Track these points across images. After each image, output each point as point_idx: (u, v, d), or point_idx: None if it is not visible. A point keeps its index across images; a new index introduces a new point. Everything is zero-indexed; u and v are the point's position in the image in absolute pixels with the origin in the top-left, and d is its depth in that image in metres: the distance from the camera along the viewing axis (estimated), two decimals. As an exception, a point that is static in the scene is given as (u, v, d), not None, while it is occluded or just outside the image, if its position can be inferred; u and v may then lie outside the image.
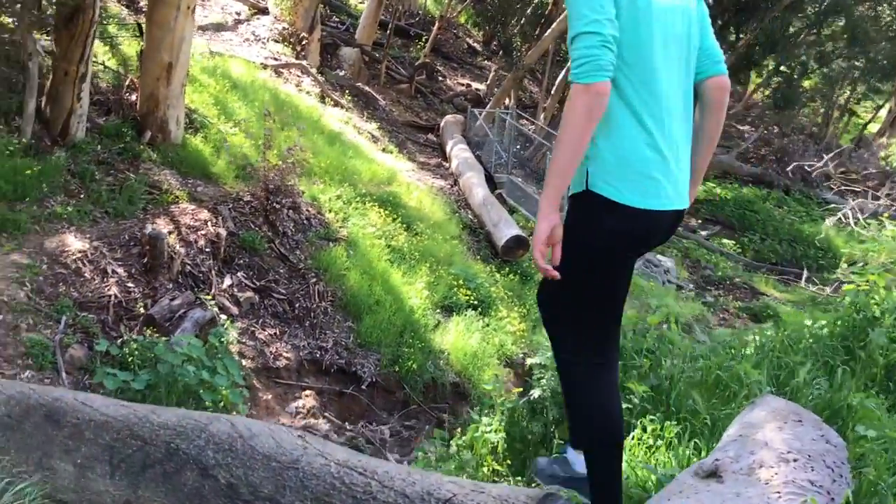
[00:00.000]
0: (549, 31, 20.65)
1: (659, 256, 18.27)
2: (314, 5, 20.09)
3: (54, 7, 10.17)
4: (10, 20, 10.51)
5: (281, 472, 2.67)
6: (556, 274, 2.38)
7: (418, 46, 25.45)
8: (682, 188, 2.56)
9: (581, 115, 2.26)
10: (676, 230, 2.74)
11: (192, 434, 3.00)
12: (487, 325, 11.03)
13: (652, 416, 3.40)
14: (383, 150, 16.78)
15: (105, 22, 14.62)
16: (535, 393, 3.74)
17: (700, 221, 22.86)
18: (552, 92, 22.45)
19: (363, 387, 9.44)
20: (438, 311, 10.91)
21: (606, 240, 2.44)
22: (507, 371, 10.49)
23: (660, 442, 3.27)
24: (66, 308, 7.91)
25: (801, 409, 2.63)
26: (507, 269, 13.30)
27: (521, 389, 4.11)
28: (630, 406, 3.48)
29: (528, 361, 4.63)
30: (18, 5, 9.76)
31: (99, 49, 13.37)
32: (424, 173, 16.59)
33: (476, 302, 11.44)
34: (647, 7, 2.36)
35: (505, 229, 13.62)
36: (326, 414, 8.93)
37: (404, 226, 12.57)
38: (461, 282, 11.67)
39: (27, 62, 9.85)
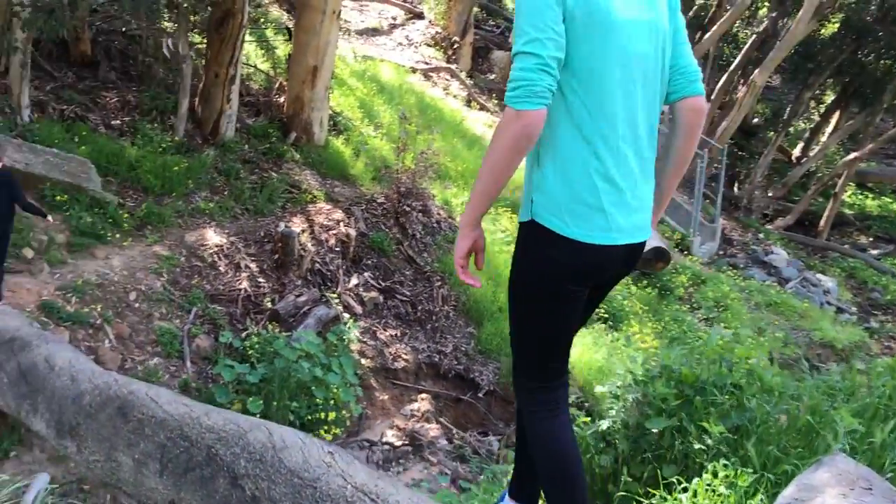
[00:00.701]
0: (710, 33, 19.72)
1: (819, 276, 17.03)
2: (467, 9, 20.20)
3: (207, 11, 10.74)
4: (168, 24, 11.23)
5: (300, 489, 2.61)
6: (479, 284, 2.36)
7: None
8: (641, 220, 2.30)
9: (507, 144, 2.08)
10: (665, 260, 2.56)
11: (232, 440, 3.00)
12: (617, 340, 10.61)
13: (726, 462, 3.06)
14: (525, 154, 16.58)
15: (263, 26, 15.36)
16: (604, 424, 3.49)
17: (871, 239, 21.11)
18: (712, 97, 21.45)
19: (480, 395, 9.34)
20: (564, 321, 10.60)
21: (550, 274, 2.24)
22: (654, 364, 10.05)
23: (730, 492, 2.95)
24: (197, 299, 8.32)
25: (873, 475, 2.26)
26: (645, 281, 12.79)
27: (587, 419, 3.85)
28: (704, 448, 3.17)
29: (598, 390, 4.34)
30: (176, 10, 10.37)
31: (253, 52, 14.06)
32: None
33: (606, 315, 11.06)
34: (605, 21, 2.09)
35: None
36: (441, 419, 8.89)
37: (537, 232, 12.33)
38: (592, 292, 11.30)
39: (181, 64, 10.47)
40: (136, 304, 7.94)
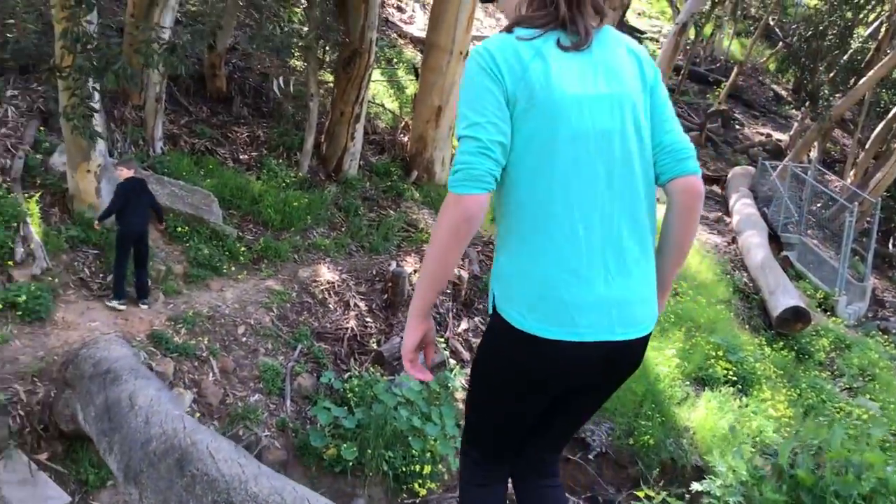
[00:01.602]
0: (866, 78, 18.38)
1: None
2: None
3: (336, 51, 10.87)
4: (300, 63, 11.46)
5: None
6: (430, 377, 2.12)
7: (716, 93, 24.07)
8: (628, 313, 1.98)
9: (446, 230, 1.91)
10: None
11: (270, 515, 2.73)
12: (745, 406, 9.76)
13: None
14: (657, 200, 15.87)
15: (395, 66, 15.52)
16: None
17: None
18: (867, 146, 19.96)
19: (591, 456, 8.76)
20: (688, 382, 9.88)
21: (510, 368, 2.04)
22: (764, 461, 9.17)
23: None
24: (303, 336, 8.24)
25: None
26: (781, 343, 11.79)
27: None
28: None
29: (694, 487, 3.77)
30: (306, 50, 10.54)
31: (383, 91, 14.18)
32: (700, 228, 15.40)
33: (735, 377, 10.21)
34: (548, 100, 1.91)
35: (782, 298, 12.11)
36: (547, 479, 8.37)
37: (664, 284, 11.65)
38: (721, 353, 10.51)
39: (309, 102, 10.60)
40: (244, 339, 7.94)
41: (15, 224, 7.57)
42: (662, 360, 9.91)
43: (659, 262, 2.14)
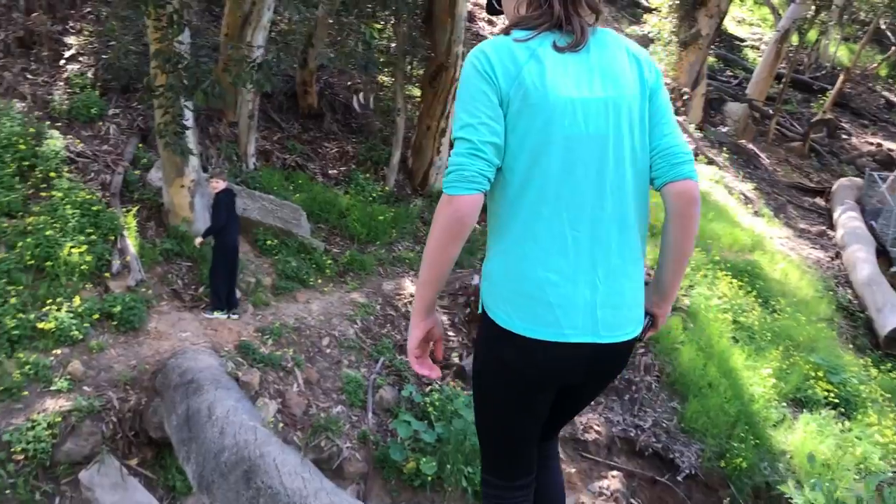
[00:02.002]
0: None
1: None
2: (700, 60, 19.24)
3: (423, 66, 10.95)
4: (387, 78, 11.60)
5: None
6: (437, 374, 2.14)
7: (821, 101, 23.07)
8: (616, 317, 2.01)
9: (440, 230, 1.92)
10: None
11: (324, 532, 2.71)
12: (848, 431, 9.23)
13: None
14: (755, 213, 15.30)
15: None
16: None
17: None
18: None
19: (680, 478, 8.44)
20: (785, 404, 9.41)
21: (500, 368, 2.06)
22: (848, 495, 8.65)
23: None
24: (386, 349, 8.28)
25: None
26: (889, 364, 11.12)
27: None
28: None
29: None
30: (393, 65, 10.66)
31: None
32: (800, 242, 14.76)
33: (837, 399, 9.67)
34: (541, 102, 1.92)
35: (891, 316, 11.44)
36: (633, 501, 8.13)
37: (760, 300, 11.19)
38: (821, 373, 9.98)
39: (396, 117, 10.71)
40: (328, 350, 8.04)
41: (113, 237, 7.91)
42: (758, 380, 9.49)
43: (661, 269, 2.15)
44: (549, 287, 1.95)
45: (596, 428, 8.56)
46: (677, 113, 18.48)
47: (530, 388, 2.08)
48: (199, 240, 7.82)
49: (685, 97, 19.14)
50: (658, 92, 2.08)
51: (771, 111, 20.75)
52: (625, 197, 2.00)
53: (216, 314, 7.74)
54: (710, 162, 17.04)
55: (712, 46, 20.64)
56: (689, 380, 9.27)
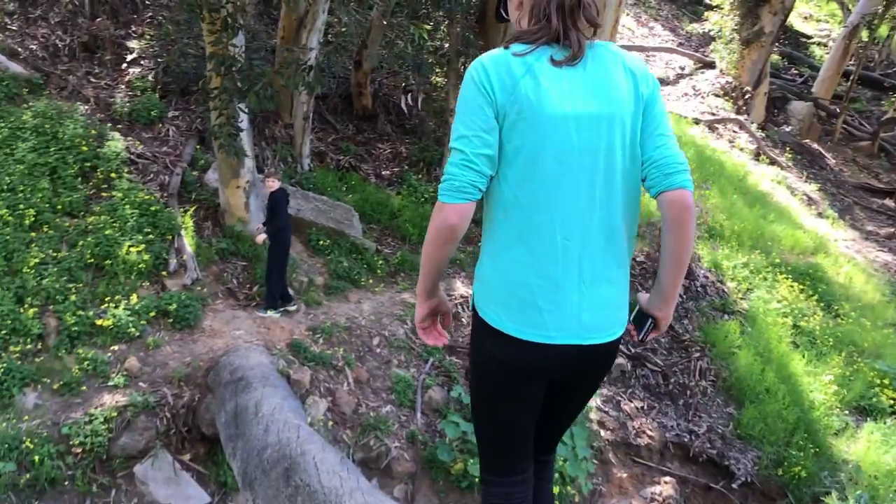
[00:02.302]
0: None
1: None
2: (763, 57, 18.80)
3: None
4: (441, 79, 11.61)
5: None
6: (445, 340, 2.34)
7: (892, 99, 22.29)
8: (601, 320, 2.15)
9: (433, 235, 2.09)
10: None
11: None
12: (916, 439, 8.90)
13: None
14: (818, 214, 14.88)
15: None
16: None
17: None
18: None
19: (735, 485, 8.25)
20: (847, 411, 9.12)
21: (490, 366, 2.22)
22: None
23: None
24: (435, 350, 8.28)
25: None
26: (961, 369, 10.67)
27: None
28: None
29: None
30: (447, 66, 10.66)
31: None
32: (867, 245, 14.29)
33: (903, 406, 9.35)
34: (536, 117, 2.02)
35: (963, 322, 10.99)
36: (686, 507, 7.98)
37: (822, 304, 10.86)
38: (888, 381, 9.64)
39: (448, 118, 10.71)
40: (378, 350, 8.08)
41: (170, 236, 8.10)
42: (818, 386, 9.22)
43: (660, 274, 2.22)
44: (539, 291, 2.07)
45: (648, 432, 8.42)
46: (738, 112, 18.13)
47: (520, 381, 2.20)
48: (261, 237, 7.85)
49: (746, 96, 18.73)
50: (654, 104, 2.15)
51: (838, 109, 20.14)
52: (614, 207, 2.11)
53: (269, 313, 7.85)
54: (773, 162, 16.64)
55: (776, 44, 20.13)
56: (746, 385, 9.06)
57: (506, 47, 2.10)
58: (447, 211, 2.04)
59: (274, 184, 7.66)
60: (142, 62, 10.47)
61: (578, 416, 7.78)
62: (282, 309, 7.95)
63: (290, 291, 8.16)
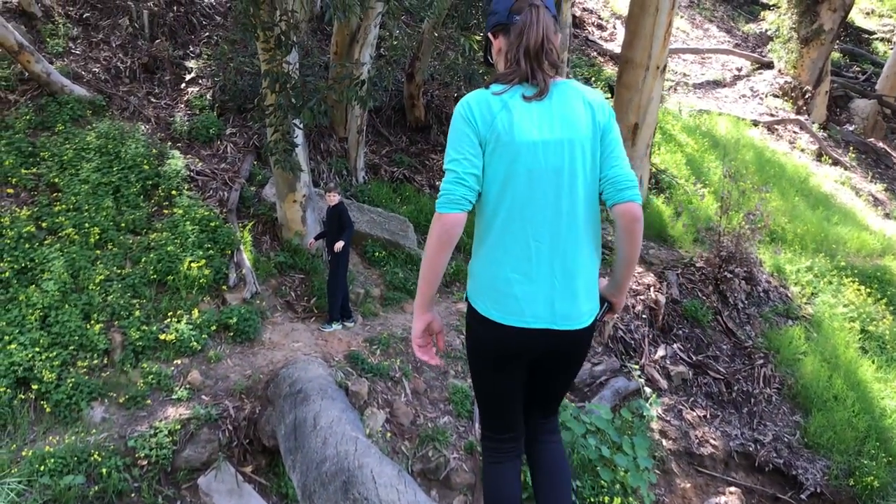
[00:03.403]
0: None
1: None
2: (824, 56, 18.34)
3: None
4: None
5: None
6: (439, 362, 2.88)
7: (960, 94, 21.50)
8: (571, 309, 2.60)
9: (434, 239, 2.54)
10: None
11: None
12: None
13: None
14: (885, 215, 14.41)
15: (593, 85, 15.30)
16: None
17: None
18: None
19: (803, 496, 8.02)
20: (921, 419, 8.79)
21: (480, 345, 2.71)
22: None
23: None
24: (492, 360, 8.25)
25: None
26: None
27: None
28: None
29: None
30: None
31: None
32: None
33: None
34: (510, 144, 2.49)
35: None
36: (752, 518, 7.78)
37: (891, 308, 10.50)
38: (963, 386, 9.28)
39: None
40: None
41: (229, 251, 8.24)
42: (889, 393, 8.91)
43: (615, 270, 2.75)
44: (517, 285, 2.55)
45: (712, 442, 8.25)
46: (798, 112, 17.72)
47: (504, 359, 2.66)
48: (339, 244, 7.72)
49: (807, 96, 18.29)
50: (610, 131, 2.62)
51: (903, 107, 19.51)
52: (577, 216, 2.56)
53: (334, 326, 7.92)
54: (835, 163, 16.20)
55: (837, 41, 19.61)
56: (813, 392, 8.81)
57: (487, 87, 2.58)
58: (445, 219, 2.51)
59: (334, 198, 7.72)
60: (199, 81, 10.71)
61: (648, 425, 7.65)
62: (341, 323, 8.03)
63: (350, 306, 8.24)
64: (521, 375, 2.72)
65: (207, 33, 11.57)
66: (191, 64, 10.89)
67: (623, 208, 2.55)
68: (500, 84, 2.57)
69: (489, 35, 2.73)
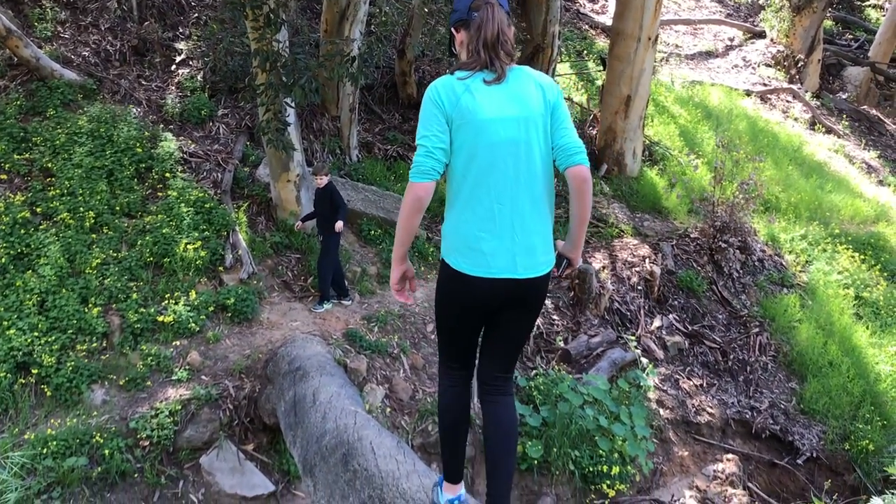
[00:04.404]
0: None
1: None
2: (816, 24, 18.26)
3: (520, 48, 10.84)
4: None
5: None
6: (412, 300, 3.38)
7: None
8: (529, 260, 2.99)
9: (407, 205, 2.94)
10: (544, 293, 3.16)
11: (414, 513, 2.75)
12: None
13: None
14: (879, 182, 14.44)
15: (585, 58, 15.26)
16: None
17: None
18: None
19: (800, 461, 8.12)
20: (916, 383, 8.88)
21: (450, 295, 3.10)
22: None
23: None
24: (490, 335, 8.29)
25: None
26: None
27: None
28: None
29: (874, 502, 3.33)
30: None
31: (572, 84, 14.00)
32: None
33: None
34: (473, 121, 2.90)
35: None
36: (750, 485, 7.87)
37: (885, 274, 10.56)
38: (957, 350, 9.36)
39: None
40: (433, 336, 8.13)
41: (225, 232, 8.26)
42: (884, 358, 8.99)
43: (570, 228, 3.11)
44: (483, 242, 2.93)
45: (709, 410, 8.33)
46: (791, 81, 17.70)
47: (471, 308, 3.06)
48: (340, 224, 7.66)
49: (799, 64, 18.24)
50: (558, 107, 3.05)
51: (895, 74, 19.47)
52: (534, 181, 2.97)
53: (325, 306, 7.95)
54: (829, 131, 16.20)
55: (829, 9, 19.54)
56: (808, 359, 8.89)
57: (451, 73, 2.99)
58: (416, 188, 2.90)
59: (323, 180, 7.65)
60: (190, 63, 10.65)
61: (646, 395, 7.72)
62: (332, 303, 8.06)
63: (346, 284, 8.27)
64: (483, 320, 3.14)
65: (196, 14, 11.49)
66: (181, 45, 10.82)
67: (573, 171, 2.95)
68: (463, 71, 2.97)
69: (452, 29, 3.12)
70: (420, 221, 3.03)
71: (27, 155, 8.45)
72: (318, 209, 7.87)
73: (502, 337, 3.20)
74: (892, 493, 2.91)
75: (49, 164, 8.34)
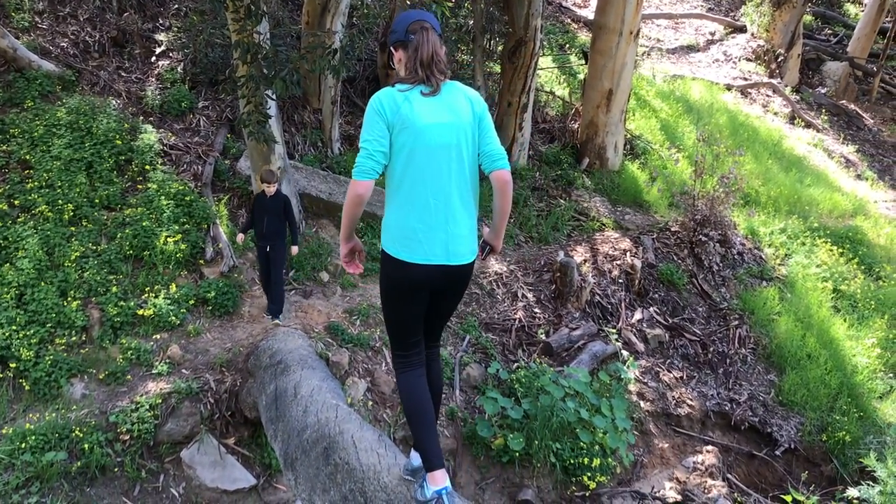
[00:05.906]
0: None
1: None
2: (796, 18, 18.40)
3: (502, 42, 10.85)
4: (466, 57, 11.55)
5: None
6: (359, 270, 3.77)
7: (931, 55, 21.68)
8: (459, 249, 3.44)
9: (350, 199, 3.37)
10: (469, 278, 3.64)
11: (396, 506, 2.76)
12: None
13: None
14: (857, 176, 14.58)
15: (567, 52, 15.27)
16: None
17: None
18: None
19: (778, 452, 8.20)
20: (892, 375, 8.98)
21: (393, 283, 3.49)
22: None
23: None
24: (472, 327, 8.32)
25: None
26: None
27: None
28: None
29: (850, 493, 3.38)
30: (472, 43, 10.61)
31: (554, 78, 14.01)
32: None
33: None
34: (413, 126, 3.31)
35: None
36: (729, 476, 7.94)
37: (862, 268, 10.68)
38: (932, 342, 9.48)
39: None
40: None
41: (205, 225, 8.21)
42: (861, 350, 9.09)
43: (493, 220, 3.58)
44: (420, 232, 3.35)
45: (689, 402, 8.39)
46: (771, 76, 17.82)
47: (411, 290, 3.45)
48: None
49: (779, 59, 18.38)
50: (484, 117, 3.52)
51: (874, 68, 19.65)
52: (464, 180, 3.43)
53: (280, 318, 7.50)
54: (808, 125, 16.34)
55: (808, 4, 19.68)
56: (787, 351, 8.98)
57: (393, 86, 3.38)
58: (358, 185, 3.30)
59: (272, 189, 7.04)
60: (170, 54, 10.57)
61: (626, 387, 7.77)
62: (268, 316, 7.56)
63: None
64: (424, 304, 3.54)
65: (177, 5, 11.39)
66: (161, 37, 10.73)
67: (497, 174, 3.45)
68: (404, 84, 3.37)
69: (391, 48, 3.51)
70: (361, 211, 3.47)
71: (4, 147, 8.35)
72: (265, 219, 7.13)
73: (436, 314, 3.70)
74: (868, 485, 2.95)
75: (27, 156, 8.25)
